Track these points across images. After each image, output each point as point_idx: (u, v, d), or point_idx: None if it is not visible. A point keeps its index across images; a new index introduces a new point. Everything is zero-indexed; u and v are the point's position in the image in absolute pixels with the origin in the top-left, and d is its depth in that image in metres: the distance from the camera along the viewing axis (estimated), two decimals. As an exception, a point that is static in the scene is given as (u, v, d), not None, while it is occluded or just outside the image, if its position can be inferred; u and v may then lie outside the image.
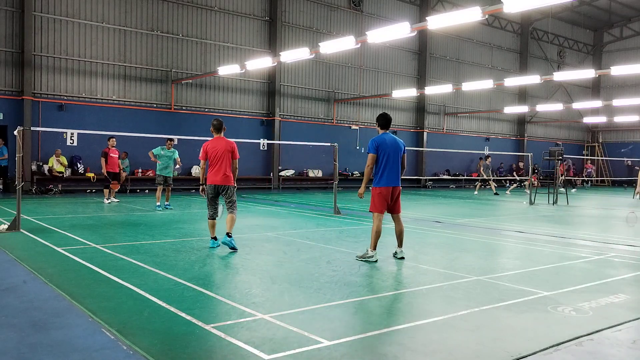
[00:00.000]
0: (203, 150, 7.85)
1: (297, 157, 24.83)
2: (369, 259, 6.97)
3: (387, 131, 7.16)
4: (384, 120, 7.13)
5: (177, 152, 14.17)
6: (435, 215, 13.70)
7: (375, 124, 7.31)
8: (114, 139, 15.07)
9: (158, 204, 13.71)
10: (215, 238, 7.89)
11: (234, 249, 7.56)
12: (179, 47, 21.61)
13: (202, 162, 8.02)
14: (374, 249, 6.99)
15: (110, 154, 14.89)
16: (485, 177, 23.76)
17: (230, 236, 7.56)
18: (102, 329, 4.09)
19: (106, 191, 15.15)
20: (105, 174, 14.96)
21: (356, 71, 27.04)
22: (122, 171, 16.00)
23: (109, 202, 14.93)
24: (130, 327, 4.16)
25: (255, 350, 3.69)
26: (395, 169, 7.01)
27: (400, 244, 7.27)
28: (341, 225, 11.16)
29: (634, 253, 8.28)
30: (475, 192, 24.16)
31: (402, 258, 7.20)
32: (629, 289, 5.78)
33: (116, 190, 15.25)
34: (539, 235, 10.04)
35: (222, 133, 7.96)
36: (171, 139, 14.08)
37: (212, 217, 7.93)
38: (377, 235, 6.96)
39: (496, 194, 23.62)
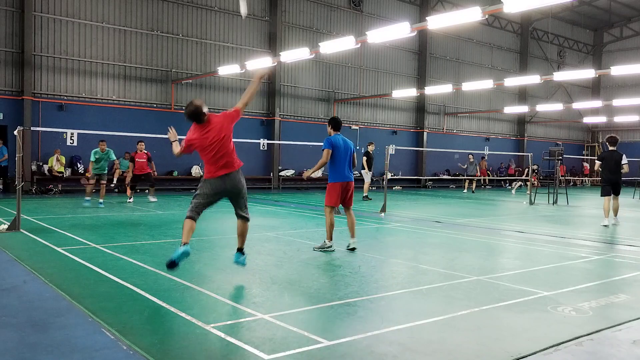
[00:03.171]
0: (186, 143, 5.83)
1: (297, 157, 24.83)
2: (327, 249, 7.69)
3: (338, 133, 7.89)
4: (335, 123, 7.90)
5: (112, 152, 14.38)
6: (435, 215, 13.70)
7: (329, 125, 7.94)
8: (143, 143, 15.34)
9: (87, 199, 14.03)
10: (186, 243, 5.58)
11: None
12: (179, 47, 21.61)
13: (178, 154, 6.01)
14: (330, 239, 7.73)
15: (137, 159, 15.18)
16: (477, 175, 24.24)
17: (243, 253, 6.11)
18: (102, 329, 4.09)
19: (130, 191, 15.53)
20: (129, 177, 15.44)
21: (356, 71, 27.04)
22: (154, 172, 16.20)
23: (131, 201, 15.30)
24: (130, 327, 4.16)
25: (255, 350, 3.69)
26: (347, 166, 7.81)
27: (353, 235, 7.92)
28: (341, 225, 11.14)
29: (634, 253, 8.28)
30: (465, 191, 24.23)
31: (354, 249, 7.79)
32: (629, 289, 5.78)
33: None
34: (539, 235, 10.04)
35: (205, 118, 5.74)
36: (103, 140, 14.32)
37: (194, 216, 5.76)
38: (332, 226, 7.79)
39: (473, 191, 24.41)
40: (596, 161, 12.31)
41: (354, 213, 8.16)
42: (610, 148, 11.90)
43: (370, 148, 18.54)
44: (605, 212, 11.85)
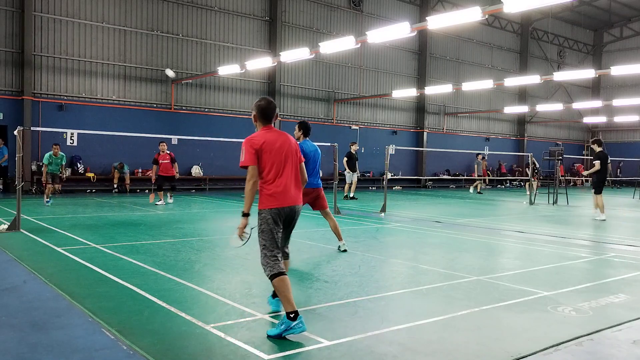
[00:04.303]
0: (251, 149, 4.19)
1: (297, 157, 24.77)
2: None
3: (307, 139, 7.69)
4: (306, 128, 7.66)
5: (65, 157, 14.71)
6: (435, 215, 13.70)
7: (298, 131, 7.70)
8: (165, 144, 15.24)
9: (47, 199, 14.33)
10: (296, 314, 4.01)
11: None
12: (179, 47, 21.61)
13: (251, 169, 4.16)
14: None
15: (161, 160, 15.03)
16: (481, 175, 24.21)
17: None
18: (102, 329, 4.09)
19: (160, 193, 15.32)
20: (154, 179, 15.29)
21: (356, 71, 27.04)
22: (177, 173, 15.84)
23: (162, 203, 15.12)
24: (130, 327, 4.16)
25: (255, 350, 3.69)
26: (315, 172, 7.63)
27: (340, 238, 7.81)
28: (341, 225, 11.10)
29: (634, 253, 8.28)
30: (471, 191, 24.29)
31: (345, 250, 7.71)
32: (629, 289, 5.78)
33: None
34: (539, 235, 10.04)
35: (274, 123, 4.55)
36: (57, 144, 14.55)
37: (281, 268, 4.20)
38: None
39: (480, 192, 24.25)
40: (597, 162, 13.07)
41: (333, 215, 8.06)
42: (599, 149, 13.15)
43: (354, 148, 18.58)
44: (601, 208, 13.00)
